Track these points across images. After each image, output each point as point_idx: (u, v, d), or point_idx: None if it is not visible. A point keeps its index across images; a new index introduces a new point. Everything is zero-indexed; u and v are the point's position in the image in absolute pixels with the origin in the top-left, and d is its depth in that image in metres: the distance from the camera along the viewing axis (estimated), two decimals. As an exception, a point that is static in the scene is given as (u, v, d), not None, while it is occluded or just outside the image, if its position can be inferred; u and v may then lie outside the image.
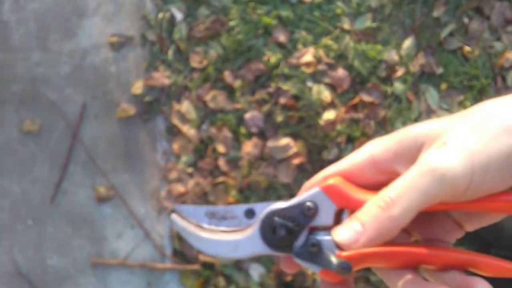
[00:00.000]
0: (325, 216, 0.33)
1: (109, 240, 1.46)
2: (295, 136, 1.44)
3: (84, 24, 1.54)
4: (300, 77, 1.47)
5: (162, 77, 1.49)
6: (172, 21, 1.52)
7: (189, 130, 1.45)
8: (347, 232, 0.31)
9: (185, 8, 1.53)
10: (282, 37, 1.49)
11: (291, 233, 0.33)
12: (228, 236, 0.34)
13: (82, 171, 1.48)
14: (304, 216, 0.33)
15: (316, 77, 1.47)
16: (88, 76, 1.51)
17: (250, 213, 0.34)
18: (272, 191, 1.43)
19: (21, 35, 1.53)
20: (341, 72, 1.47)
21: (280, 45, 1.50)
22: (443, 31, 1.52)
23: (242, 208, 0.35)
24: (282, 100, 1.45)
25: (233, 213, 0.35)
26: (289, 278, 1.39)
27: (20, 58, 1.52)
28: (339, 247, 0.32)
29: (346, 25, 1.51)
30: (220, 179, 1.44)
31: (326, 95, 1.45)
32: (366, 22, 1.52)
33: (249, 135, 1.44)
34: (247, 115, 1.44)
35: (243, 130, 1.44)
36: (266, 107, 1.45)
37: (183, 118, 1.47)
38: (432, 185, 0.28)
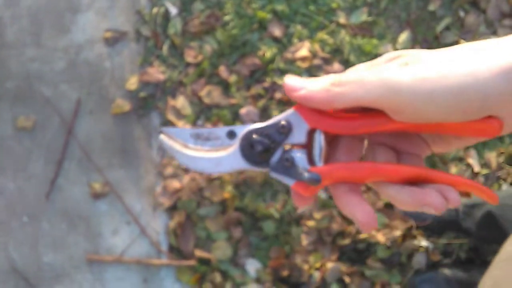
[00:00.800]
0: (298, 135, 0.36)
1: (104, 237, 1.45)
2: (291, 131, 1.44)
3: (78, 19, 1.53)
4: (296, 72, 1.46)
5: (157, 73, 1.48)
6: (166, 16, 1.52)
7: (184, 126, 1.45)
8: (297, 81, 0.35)
9: (179, 3, 1.52)
10: (277, 32, 1.48)
11: (267, 150, 0.36)
12: (212, 154, 0.37)
13: (77, 167, 1.47)
14: (279, 134, 0.36)
15: (311, 71, 1.47)
16: (83, 72, 1.51)
17: (231, 134, 0.37)
18: (268, 187, 1.43)
19: (15, 31, 1.52)
20: (336, 66, 1.46)
21: (276, 40, 1.49)
22: (439, 25, 1.51)
23: (224, 129, 0.37)
24: (278, 95, 1.44)
25: (216, 134, 0.37)
26: (285, 273, 1.39)
27: (14, 54, 1.51)
28: (311, 163, 0.36)
29: (342, 19, 1.50)
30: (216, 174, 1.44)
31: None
32: (362, 16, 1.51)
33: (245, 130, 1.44)
34: (243, 110, 1.44)
35: (238, 125, 1.44)
36: (261, 102, 1.45)
37: (178, 113, 1.46)
38: (376, 88, 0.31)
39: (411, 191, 0.34)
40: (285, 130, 0.36)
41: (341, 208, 0.35)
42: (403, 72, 0.31)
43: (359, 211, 0.34)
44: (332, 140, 0.38)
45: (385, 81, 0.31)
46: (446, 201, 0.34)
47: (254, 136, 0.36)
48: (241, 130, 0.37)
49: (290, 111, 0.36)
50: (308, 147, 0.36)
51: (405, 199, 0.34)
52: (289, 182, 0.36)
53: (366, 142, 0.39)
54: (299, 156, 0.36)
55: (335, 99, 0.33)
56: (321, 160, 0.36)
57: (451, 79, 0.30)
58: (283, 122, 0.36)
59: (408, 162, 0.37)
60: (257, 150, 0.36)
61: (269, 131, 0.36)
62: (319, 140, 0.36)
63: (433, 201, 0.33)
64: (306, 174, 0.35)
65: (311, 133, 0.36)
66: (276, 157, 0.36)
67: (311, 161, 0.36)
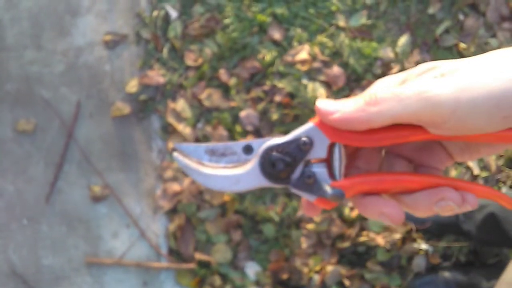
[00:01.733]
0: (319, 150, 0.35)
1: (104, 240, 1.45)
2: (290, 134, 1.44)
3: (78, 22, 1.53)
4: (295, 75, 1.46)
5: (157, 76, 1.49)
6: (166, 19, 1.52)
7: (184, 129, 1.45)
8: (331, 104, 0.34)
9: (179, 6, 1.52)
10: (277, 35, 1.48)
11: (288, 167, 0.35)
12: (229, 171, 0.36)
13: (77, 170, 1.47)
14: (300, 150, 0.35)
15: (311, 74, 1.47)
16: (83, 74, 1.51)
17: (248, 149, 0.36)
18: (267, 190, 1.43)
19: (14, 33, 1.52)
20: (336, 69, 1.46)
21: (275, 43, 1.49)
22: (438, 28, 1.51)
23: (240, 144, 0.37)
24: (277, 98, 1.44)
25: (232, 149, 0.37)
26: (285, 276, 1.39)
27: (14, 57, 1.51)
28: (331, 176, 0.35)
29: (341, 23, 1.50)
30: (216, 177, 1.44)
31: (321, 92, 1.45)
32: (361, 19, 1.51)
33: (245, 133, 1.44)
34: (243, 113, 1.44)
35: (238, 128, 1.44)
36: (261, 105, 1.45)
37: (179, 116, 1.46)
38: (415, 103, 0.31)
39: (427, 192, 0.34)
40: (306, 147, 0.35)
41: (366, 212, 0.35)
42: (441, 83, 0.31)
43: (386, 207, 0.34)
44: (351, 152, 0.38)
45: (424, 95, 0.30)
46: (463, 201, 0.33)
47: (274, 153, 0.35)
48: (258, 145, 0.36)
49: (309, 125, 0.35)
50: (328, 160, 0.36)
51: (421, 201, 0.34)
52: (311, 198, 0.35)
53: (383, 152, 0.38)
54: (320, 171, 0.35)
55: (373, 119, 0.32)
56: (341, 173, 0.35)
57: (493, 86, 0.30)
58: (304, 139, 0.35)
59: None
60: (279, 168, 0.35)
61: (290, 148, 0.35)
62: (340, 153, 0.35)
63: (450, 195, 0.33)
64: (329, 191, 0.34)
65: (331, 147, 0.35)
66: (297, 173, 0.36)
67: (331, 174, 0.35)
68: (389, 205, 0.34)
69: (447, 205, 0.33)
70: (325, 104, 0.34)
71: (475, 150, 0.37)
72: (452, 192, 0.33)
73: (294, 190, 0.36)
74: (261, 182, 0.36)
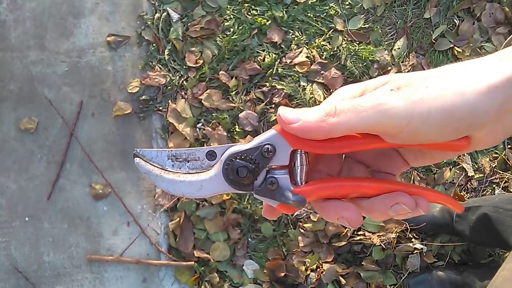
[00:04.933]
0: (281, 157, 0.35)
1: (105, 237, 1.47)
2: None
3: (81, 23, 1.55)
4: (294, 77, 1.48)
5: (158, 76, 1.50)
6: (168, 21, 1.53)
7: (184, 129, 1.46)
8: (292, 113, 0.34)
9: (181, 9, 1.54)
10: (276, 38, 1.50)
11: (251, 173, 0.35)
12: (193, 177, 0.36)
13: (79, 168, 1.48)
14: (263, 157, 0.35)
15: (309, 76, 1.49)
16: (85, 75, 1.52)
17: (211, 155, 0.36)
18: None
19: (18, 34, 1.54)
20: (334, 72, 1.48)
21: (274, 45, 1.51)
22: (434, 32, 1.54)
23: (203, 150, 0.36)
24: (276, 99, 1.46)
25: (195, 155, 0.36)
26: (282, 274, 1.41)
27: (17, 57, 1.53)
28: (293, 182, 0.36)
29: (339, 26, 1.52)
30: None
31: (319, 94, 1.47)
32: (359, 23, 1.53)
33: (244, 134, 1.45)
34: (242, 114, 1.46)
35: (237, 128, 1.46)
36: (260, 106, 1.46)
37: (179, 116, 1.48)
38: (372, 115, 0.32)
39: (383, 197, 0.35)
40: (269, 155, 0.35)
41: (326, 216, 0.36)
42: (397, 96, 0.32)
43: (346, 211, 0.35)
44: (313, 156, 0.39)
45: (380, 108, 0.32)
46: (416, 205, 0.35)
47: (238, 160, 0.35)
48: (221, 151, 0.36)
49: (271, 132, 0.35)
50: (289, 166, 0.36)
51: (378, 206, 0.35)
52: (274, 204, 0.36)
53: (343, 157, 0.40)
54: (282, 177, 0.36)
55: (332, 129, 0.33)
56: (303, 179, 0.36)
57: (444, 99, 0.31)
58: (267, 146, 0.35)
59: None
60: (242, 175, 0.35)
61: (253, 155, 0.35)
62: (301, 160, 0.36)
63: (404, 200, 0.35)
64: (291, 197, 0.35)
65: (293, 153, 0.36)
66: (259, 180, 0.36)
67: (292, 180, 0.36)
68: (348, 209, 0.35)
69: (401, 208, 0.35)
70: (286, 112, 0.34)
71: (428, 157, 0.39)
72: (406, 197, 0.35)
73: (257, 196, 0.36)
74: (224, 188, 0.36)
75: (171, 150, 0.36)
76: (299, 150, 0.36)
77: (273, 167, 0.36)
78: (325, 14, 1.53)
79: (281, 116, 0.34)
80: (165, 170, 0.36)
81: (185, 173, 0.36)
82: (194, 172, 0.36)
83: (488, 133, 0.33)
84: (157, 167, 0.36)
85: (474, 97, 0.31)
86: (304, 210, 1.43)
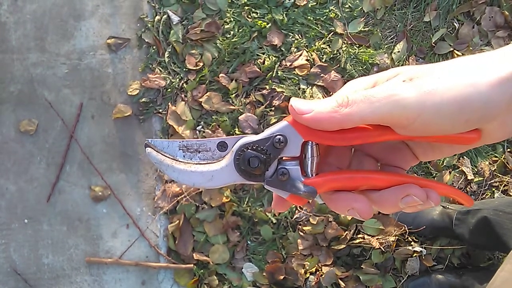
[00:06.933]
0: (293, 148, 0.35)
1: (104, 239, 1.46)
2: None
3: (81, 25, 1.55)
4: (294, 80, 1.49)
5: (158, 79, 1.50)
6: (168, 23, 1.54)
7: (184, 131, 1.47)
8: (305, 103, 0.34)
9: (181, 11, 1.55)
10: (276, 40, 1.50)
11: (263, 164, 0.35)
12: (204, 167, 0.36)
13: (78, 170, 1.49)
14: (274, 148, 0.35)
15: (309, 79, 1.49)
16: (85, 77, 1.52)
17: (222, 146, 0.36)
18: (265, 192, 1.45)
19: (19, 36, 1.54)
20: (333, 75, 1.48)
21: (275, 48, 1.51)
22: (434, 36, 1.54)
23: (214, 141, 0.36)
24: (276, 102, 1.46)
25: (206, 146, 0.36)
26: (281, 277, 1.41)
27: (17, 59, 1.53)
28: (304, 173, 0.36)
29: (339, 29, 1.53)
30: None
31: (319, 97, 1.47)
32: (359, 26, 1.54)
33: (243, 136, 1.45)
34: (242, 117, 1.46)
35: (237, 131, 1.46)
36: (260, 109, 1.47)
37: (179, 119, 1.48)
38: (384, 105, 0.32)
39: (393, 189, 0.36)
40: (281, 145, 0.35)
41: (336, 207, 0.36)
42: (409, 87, 0.32)
43: (356, 203, 0.35)
44: (323, 149, 0.39)
45: (393, 98, 0.32)
46: (427, 198, 0.35)
47: (249, 150, 0.35)
48: (232, 142, 0.36)
49: (283, 124, 0.35)
50: (300, 158, 0.36)
51: (388, 198, 0.35)
52: (284, 195, 0.36)
53: (352, 150, 0.40)
54: (293, 168, 0.36)
55: (344, 120, 0.33)
56: (314, 170, 0.36)
57: (456, 90, 0.31)
58: (279, 137, 0.35)
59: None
60: (253, 166, 0.35)
61: (264, 145, 0.35)
62: (312, 151, 0.36)
63: (415, 192, 0.35)
64: (302, 188, 0.35)
65: (304, 145, 0.36)
66: (271, 170, 0.36)
67: (303, 171, 0.36)
68: (359, 200, 0.35)
69: (412, 200, 0.35)
70: (299, 103, 0.34)
71: (438, 151, 0.39)
72: (417, 189, 0.35)
73: (268, 187, 0.36)
74: (235, 178, 0.36)
75: (182, 141, 0.37)
76: (310, 142, 0.36)
77: (284, 158, 0.36)
78: (325, 17, 1.54)
79: (294, 106, 0.34)
80: (176, 160, 0.36)
81: (196, 164, 0.36)
82: (205, 162, 0.36)
83: (498, 125, 0.33)
84: (168, 157, 0.36)
85: (486, 89, 0.31)
86: (303, 213, 1.43)
